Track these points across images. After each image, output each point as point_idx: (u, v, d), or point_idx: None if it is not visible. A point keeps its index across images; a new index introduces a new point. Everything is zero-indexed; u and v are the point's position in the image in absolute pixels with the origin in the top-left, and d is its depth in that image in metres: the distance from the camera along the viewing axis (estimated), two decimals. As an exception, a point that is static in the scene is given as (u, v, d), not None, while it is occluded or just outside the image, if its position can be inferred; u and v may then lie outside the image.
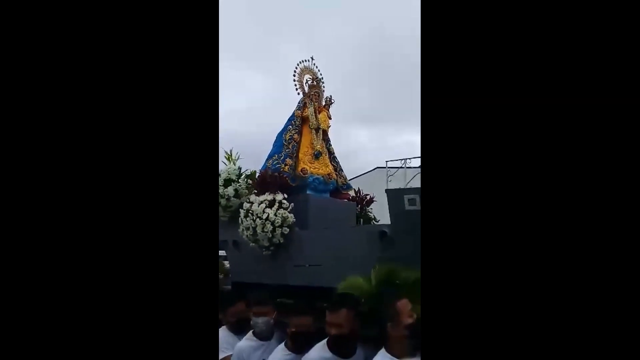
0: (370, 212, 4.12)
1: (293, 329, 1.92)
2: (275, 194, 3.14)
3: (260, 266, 3.24)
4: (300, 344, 1.91)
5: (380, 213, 3.74)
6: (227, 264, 3.85)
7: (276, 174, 3.35)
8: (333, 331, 1.66)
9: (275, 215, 2.98)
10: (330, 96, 4.16)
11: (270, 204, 3.05)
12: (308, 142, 3.83)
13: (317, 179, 3.65)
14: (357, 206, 3.98)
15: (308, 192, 3.56)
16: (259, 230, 2.99)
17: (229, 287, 3.54)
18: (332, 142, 4.12)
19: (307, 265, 2.89)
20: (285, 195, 3.15)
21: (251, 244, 3.17)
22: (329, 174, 3.77)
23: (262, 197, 3.10)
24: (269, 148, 3.81)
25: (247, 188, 3.51)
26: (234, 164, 3.73)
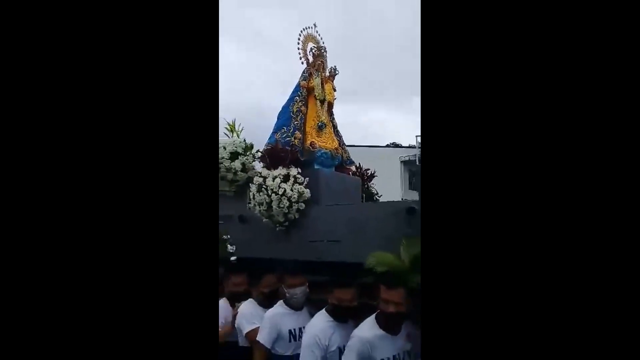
0: (373, 188, 4.14)
1: (335, 302, 1.92)
2: (289, 168, 3.03)
3: (271, 242, 3.17)
4: (341, 316, 1.92)
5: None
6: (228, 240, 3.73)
7: (287, 147, 3.22)
8: (390, 308, 1.67)
9: (291, 190, 2.89)
10: (335, 67, 4.01)
11: (285, 179, 2.95)
12: (314, 114, 3.69)
13: (324, 153, 3.56)
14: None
15: (315, 166, 3.48)
16: (274, 205, 2.90)
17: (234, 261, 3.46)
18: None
19: (325, 241, 2.86)
20: (299, 170, 3.05)
21: (264, 220, 3.07)
22: (336, 149, 3.70)
23: (276, 172, 2.98)
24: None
25: (254, 161, 3.37)
26: (238, 135, 3.55)
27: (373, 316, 1.81)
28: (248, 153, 3.36)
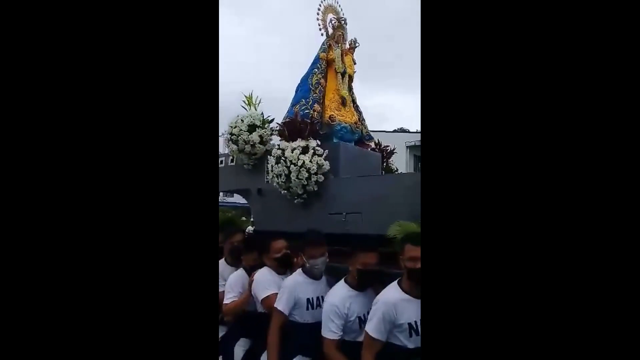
0: (392, 164, 4.05)
1: (359, 267, 1.90)
2: (307, 140, 2.98)
3: (289, 214, 3.15)
4: (364, 282, 1.89)
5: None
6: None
7: (307, 119, 3.16)
8: (418, 265, 1.62)
9: (310, 162, 2.84)
10: (355, 39, 3.89)
11: (304, 151, 2.90)
12: (333, 87, 3.61)
13: (344, 127, 3.48)
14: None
15: (335, 140, 3.42)
16: (293, 177, 2.86)
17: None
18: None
19: (344, 214, 2.82)
20: (319, 142, 3.00)
21: (282, 192, 3.05)
22: (355, 123, 3.62)
23: (295, 144, 2.94)
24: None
25: (272, 134, 3.33)
26: (255, 108, 3.50)
27: (395, 282, 1.78)
28: (266, 126, 3.32)
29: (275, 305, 2.01)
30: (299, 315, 1.99)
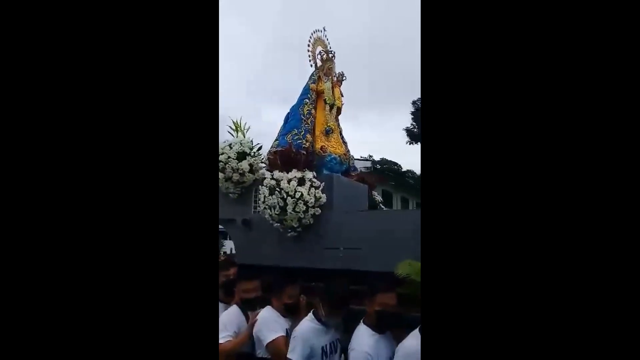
0: (376, 196, 4.07)
1: (377, 308, 1.80)
2: (303, 171, 2.89)
3: (280, 247, 2.99)
4: (384, 324, 1.80)
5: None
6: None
7: (301, 150, 3.09)
8: None
9: (308, 194, 2.75)
10: (342, 72, 3.96)
11: (300, 182, 2.81)
12: (322, 118, 3.60)
13: (334, 158, 3.46)
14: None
15: (325, 171, 3.37)
16: (289, 209, 2.74)
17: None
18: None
19: (342, 248, 2.73)
20: (314, 174, 2.92)
21: (275, 224, 2.89)
22: (345, 154, 3.61)
23: (290, 174, 2.83)
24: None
25: (263, 162, 3.20)
26: (244, 135, 3.36)
27: (417, 329, 1.71)
28: (255, 154, 3.19)
29: (288, 356, 1.82)
30: None
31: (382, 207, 4.01)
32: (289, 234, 2.89)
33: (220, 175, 3.13)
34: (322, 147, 3.37)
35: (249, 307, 2.22)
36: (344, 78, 3.94)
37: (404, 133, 16.02)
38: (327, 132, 3.44)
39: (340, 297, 1.93)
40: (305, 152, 3.03)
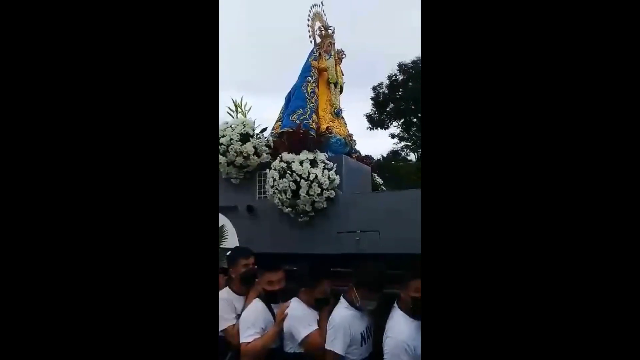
0: (377, 178, 3.98)
1: (413, 294, 1.74)
2: (314, 152, 2.74)
3: (289, 234, 2.84)
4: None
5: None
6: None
7: (310, 130, 2.92)
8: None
9: (322, 175, 2.60)
10: (342, 50, 3.78)
11: (312, 164, 2.65)
12: (326, 97, 3.43)
13: (339, 139, 3.31)
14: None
15: (329, 153, 3.23)
16: (302, 193, 2.58)
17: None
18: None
19: (358, 232, 2.62)
20: (327, 154, 2.78)
21: (285, 209, 2.73)
22: (349, 135, 3.47)
23: (302, 156, 2.67)
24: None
25: (267, 145, 3.00)
26: (244, 115, 3.14)
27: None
28: (260, 135, 2.98)
29: (328, 348, 1.72)
30: (355, 353, 1.74)
31: (384, 188, 3.94)
32: (301, 219, 2.74)
33: (221, 159, 2.91)
34: (327, 127, 3.22)
35: (272, 300, 2.08)
36: (344, 55, 3.76)
37: (364, 119, 15.57)
38: (338, 114, 3.28)
39: (375, 281, 1.84)
40: (317, 132, 2.86)
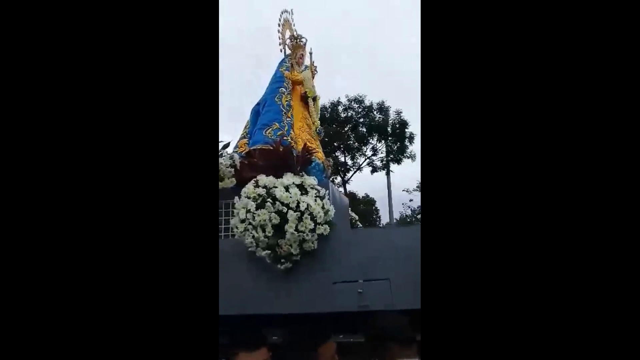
0: (351, 214, 3.43)
1: None
2: (301, 176, 2.09)
3: (264, 287, 2.05)
4: None
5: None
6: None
7: (290, 148, 2.28)
8: None
9: (315, 205, 1.94)
10: (313, 62, 3.31)
11: (301, 190, 1.99)
12: (300, 114, 2.86)
13: (317, 164, 2.73)
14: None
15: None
16: (289, 228, 1.88)
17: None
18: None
19: (361, 282, 1.97)
20: (316, 179, 2.14)
21: (261, 252, 1.98)
22: (327, 160, 2.91)
23: (286, 179, 2.00)
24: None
25: (231, 166, 2.27)
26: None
27: None
28: (224, 153, 2.25)
29: None
30: None
31: (359, 224, 3.39)
32: (281, 266, 2.00)
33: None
34: (307, 147, 2.61)
35: None
36: (316, 71, 3.30)
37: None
38: (320, 133, 2.71)
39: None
40: (303, 150, 2.23)
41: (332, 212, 2.04)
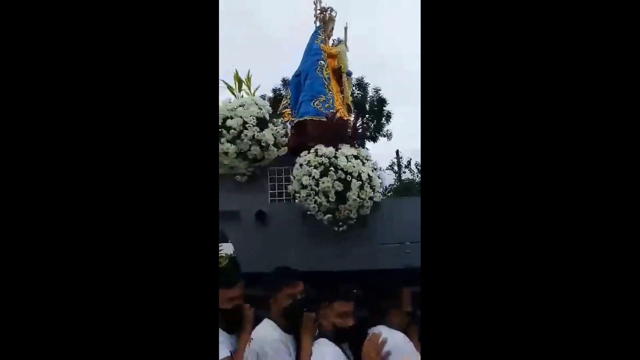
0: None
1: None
2: (356, 147, 2.25)
3: (316, 248, 2.25)
4: None
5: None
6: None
7: (345, 121, 2.42)
8: None
9: (371, 174, 2.13)
10: (339, 38, 3.39)
11: (360, 160, 2.17)
12: (335, 87, 2.96)
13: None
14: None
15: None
16: (352, 195, 2.07)
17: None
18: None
19: (408, 243, 2.23)
20: (369, 150, 2.32)
21: (322, 216, 2.15)
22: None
23: (346, 150, 2.16)
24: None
25: (285, 135, 2.38)
26: (253, 94, 2.45)
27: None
28: (277, 121, 2.34)
29: None
30: None
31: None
32: (339, 229, 2.20)
33: (227, 147, 2.17)
34: (347, 120, 2.76)
35: (343, 339, 1.54)
36: (347, 48, 3.37)
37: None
38: (349, 109, 2.84)
39: None
40: (356, 122, 2.38)
41: (384, 183, 2.25)
